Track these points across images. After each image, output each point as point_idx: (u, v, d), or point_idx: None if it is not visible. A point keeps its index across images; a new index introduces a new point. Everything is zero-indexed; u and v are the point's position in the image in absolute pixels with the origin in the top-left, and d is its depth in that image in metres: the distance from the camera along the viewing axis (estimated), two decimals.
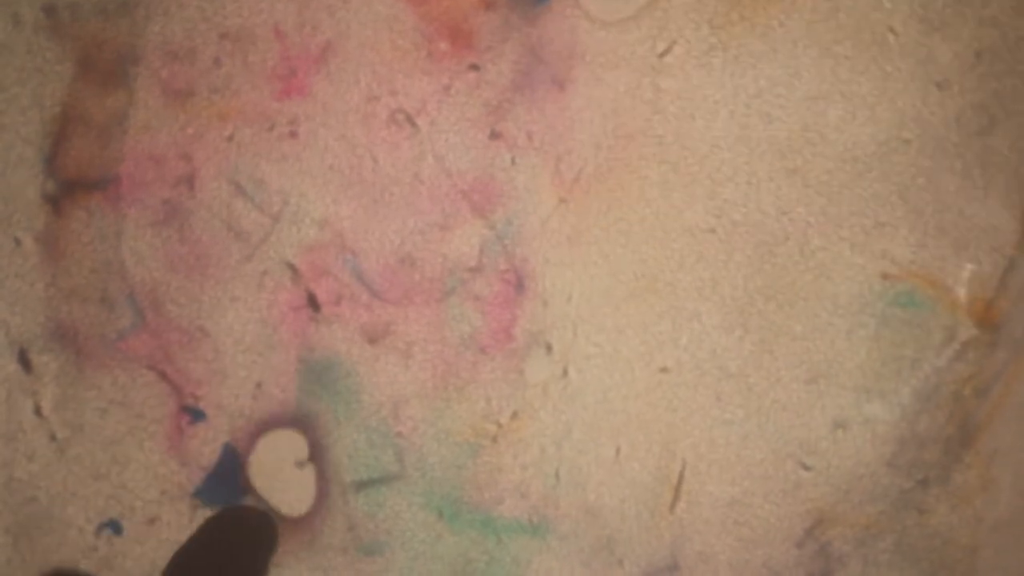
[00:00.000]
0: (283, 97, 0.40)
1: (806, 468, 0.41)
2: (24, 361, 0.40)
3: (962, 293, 0.41)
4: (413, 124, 0.40)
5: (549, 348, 0.41)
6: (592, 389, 0.41)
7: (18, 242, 0.40)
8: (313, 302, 0.40)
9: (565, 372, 0.41)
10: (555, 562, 0.41)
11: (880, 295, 0.41)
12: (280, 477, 0.41)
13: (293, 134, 0.40)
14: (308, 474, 0.41)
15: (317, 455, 0.41)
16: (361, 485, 0.41)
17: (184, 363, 0.40)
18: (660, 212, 0.40)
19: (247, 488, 0.40)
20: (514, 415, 0.41)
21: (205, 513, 0.40)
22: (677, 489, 0.41)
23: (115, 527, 0.40)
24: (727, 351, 0.41)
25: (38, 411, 0.40)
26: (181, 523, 0.40)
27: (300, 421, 0.41)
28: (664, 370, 0.41)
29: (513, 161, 0.40)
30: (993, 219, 0.40)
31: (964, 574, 0.41)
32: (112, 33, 0.39)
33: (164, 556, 0.37)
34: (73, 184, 0.40)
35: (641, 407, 0.41)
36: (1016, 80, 0.40)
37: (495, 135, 0.40)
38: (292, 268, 0.40)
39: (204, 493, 0.40)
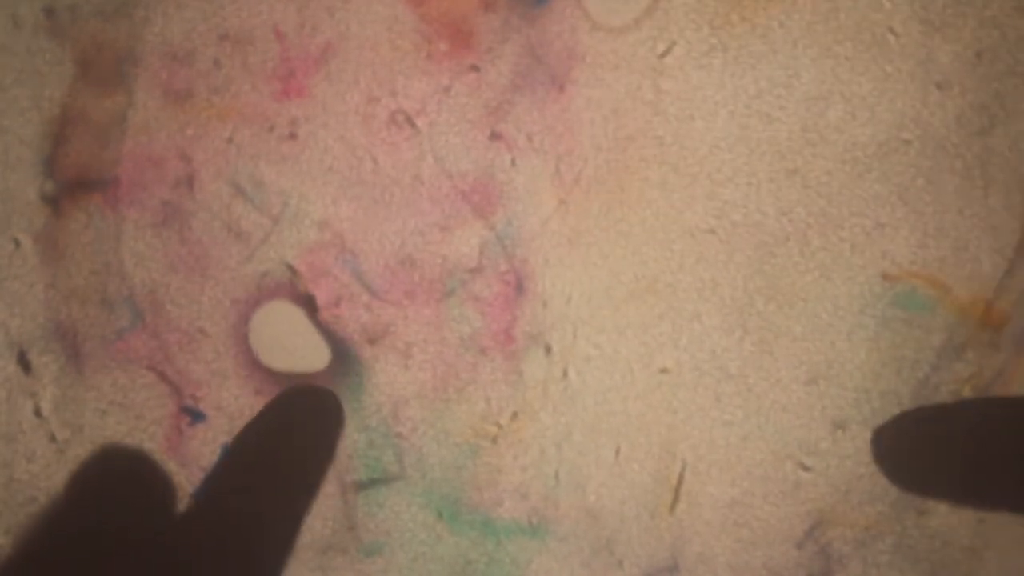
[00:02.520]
0: (283, 98, 0.40)
1: (806, 469, 0.41)
2: (24, 362, 0.40)
3: (962, 293, 0.41)
4: (413, 125, 0.40)
5: (549, 349, 0.41)
6: (592, 390, 0.41)
7: (17, 243, 0.40)
8: (312, 303, 0.40)
9: (565, 373, 0.41)
10: (555, 563, 0.41)
11: (880, 296, 0.41)
12: None
13: (293, 135, 0.40)
14: None
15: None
16: (361, 486, 0.41)
17: (184, 364, 0.40)
18: (660, 213, 0.40)
19: None
20: (514, 416, 0.41)
21: None
22: (677, 490, 0.41)
23: None
24: (727, 352, 0.41)
25: (38, 412, 0.40)
26: None
27: None
28: (664, 371, 0.41)
29: (513, 162, 0.40)
30: (994, 219, 0.40)
31: (965, 575, 0.41)
32: (111, 34, 0.39)
33: None
34: (72, 185, 0.40)
35: (641, 408, 0.41)
36: (1017, 80, 0.40)
37: (495, 136, 0.40)
38: (292, 269, 0.40)
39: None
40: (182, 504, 0.27)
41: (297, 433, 0.29)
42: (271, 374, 0.40)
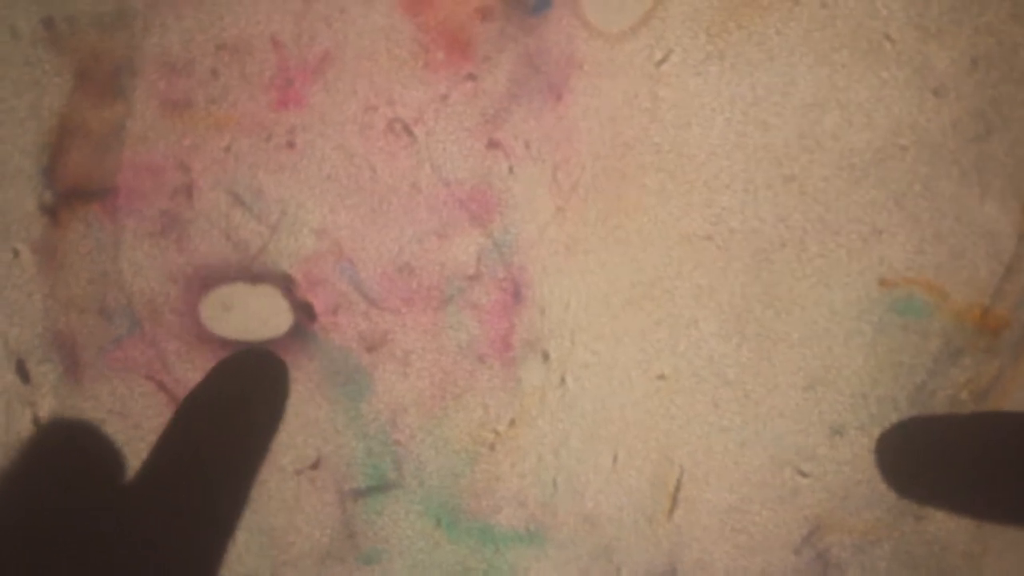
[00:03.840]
0: (280, 107, 0.40)
1: (803, 475, 0.41)
2: (22, 371, 0.40)
3: (959, 299, 0.41)
4: (410, 133, 0.40)
5: (546, 356, 0.41)
6: (590, 397, 0.41)
7: (16, 253, 0.40)
8: (310, 311, 0.40)
9: (563, 380, 0.41)
10: (553, 570, 0.41)
11: (877, 301, 0.41)
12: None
13: (291, 144, 0.40)
14: (309, 482, 0.41)
15: (316, 463, 0.41)
16: (359, 493, 0.41)
17: (182, 373, 0.40)
18: (657, 220, 0.40)
19: None
20: (512, 423, 0.41)
21: None
22: (675, 496, 0.41)
23: None
24: (725, 358, 0.41)
25: (36, 421, 0.40)
26: None
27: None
28: (661, 377, 0.41)
29: (511, 170, 0.40)
30: (990, 225, 0.40)
31: None
32: (110, 45, 0.39)
33: None
34: (71, 195, 0.40)
35: (639, 414, 0.41)
36: (1013, 87, 0.40)
37: (492, 144, 0.40)
38: (289, 278, 0.40)
39: None
40: (130, 474, 0.27)
41: (243, 396, 0.29)
42: None
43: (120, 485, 0.26)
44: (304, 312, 0.40)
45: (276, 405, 0.30)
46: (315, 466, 0.41)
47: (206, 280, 0.40)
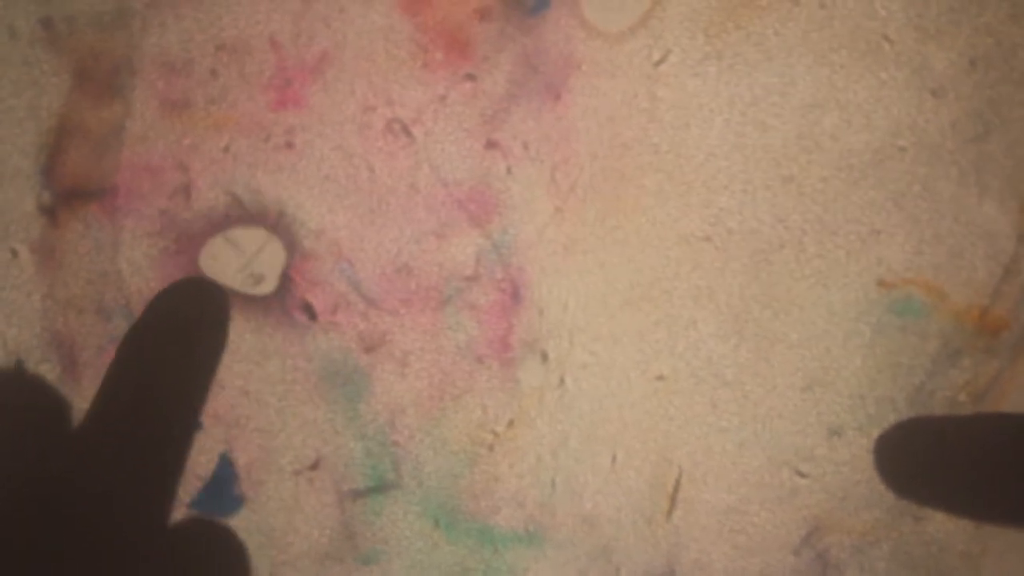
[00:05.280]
0: (279, 108, 0.40)
1: (802, 475, 0.41)
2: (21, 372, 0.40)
3: (958, 300, 0.41)
4: (409, 134, 0.40)
5: (545, 357, 0.41)
6: (588, 397, 0.41)
7: (15, 253, 0.40)
8: (309, 311, 0.40)
9: (561, 380, 0.41)
10: (551, 571, 0.41)
11: (876, 302, 0.41)
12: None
13: (289, 144, 0.40)
14: (307, 483, 0.41)
15: (314, 464, 0.41)
16: (358, 494, 0.41)
17: None
18: (656, 220, 0.40)
19: (242, 498, 0.40)
20: (510, 424, 0.41)
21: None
22: (673, 497, 0.41)
23: None
24: (723, 359, 0.41)
25: None
26: None
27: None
28: (660, 378, 0.41)
29: (509, 170, 0.40)
30: (989, 226, 0.40)
31: None
32: (109, 45, 0.39)
33: None
34: (70, 195, 0.40)
35: (637, 415, 0.41)
36: (1011, 87, 0.40)
37: (491, 145, 0.40)
38: (288, 278, 0.40)
39: (200, 503, 0.40)
40: (74, 422, 0.27)
41: (183, 323, 0.29)
42: None
43: (67, 430, 0.26)
44: (304, 312, 0.40)
45: (217, 331, 0.30)
46: (314, 467, 0.41)
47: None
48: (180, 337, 0.28)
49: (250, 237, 0.40)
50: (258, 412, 0.40)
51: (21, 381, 0.33)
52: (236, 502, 0.40)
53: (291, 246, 0.40)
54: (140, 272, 0.40)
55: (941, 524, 0.41)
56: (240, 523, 0.40)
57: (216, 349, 0.29)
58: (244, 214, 0.40)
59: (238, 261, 0.40)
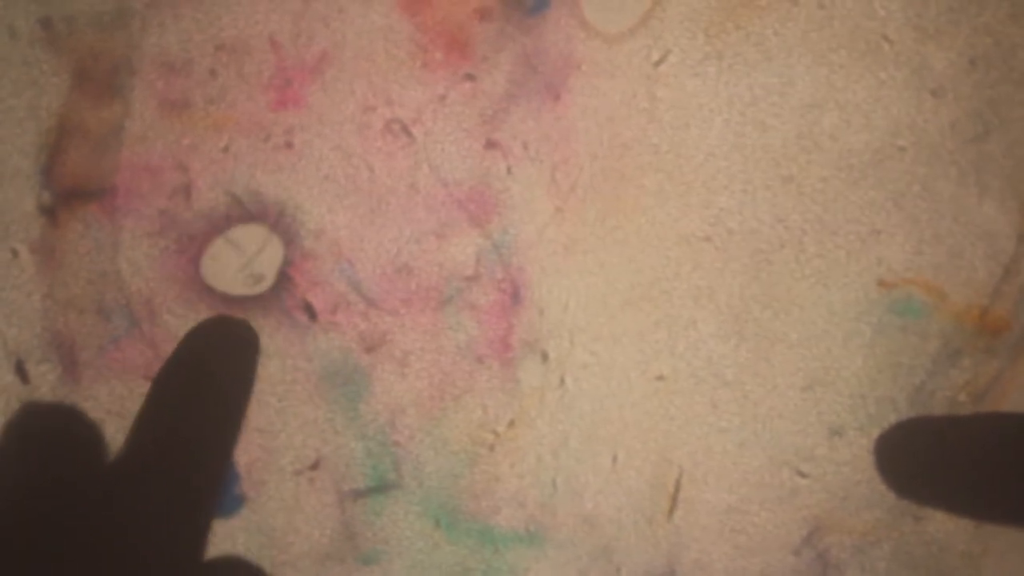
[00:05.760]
0: (279, 108, 0.40)
1: (802, 475, 0.41)
2: (21, 372, 0.40)
3: (958, 300, 0.41)
4: (409, 134, 0.40)
5: (545, 357, 0.41)
6: (588, 397, 0.41)
7: (15, 253, 0.40)
8: (310, 311, 0.40)
9: (562, 381, 0.41)
10: (552, 571, 0.41)
11: (876, 302, 0.41)
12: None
13: (289, 144, 0.40)
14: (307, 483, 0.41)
15: (315, 464, 0.41)
16: (359, 494, 0.41)
17: None
18: (656, 221, 0.40)
19: (243, 498, 0.40)
20: (511, 424, 0.41)
21: None
22: (674, 497, 0.41)
23: None
24: (723, 359, 0.41)
25: None
26: None
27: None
28: (660, 378, 0.41)
29: (509, 171, 0.40)
30: (989, 225, 0.40)
31: None
32: (108, 45, 0.39)
33: None
34: (69, 195, 0.40)
35: (638, 415, 0.41)
36: (1011, 87, 0.40)
37: (491, 145, 0.40)
38: (288, 277, 0.40)
39: None
40: (110, 454, 0.27)
41: (214, 364, 0.29)
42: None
43: (101, 466, 0.26)
44: (304, 312, 0.40)
45: (247, 370, 0.30)
46: (314, 467, 0.41)
47: (205, 279, 0.40)
48: (210, 378, 0.28)
49: (250, 237, 0.40)
50: (258, 412, 0.40)
51: (57, 409, 0.33)
52: (237, 502, 0.40)
53: (291, 246, 0.40)
54: (140, 272, 0.40)
55: (942, 524, 0.41)
56: (241, 523, 0.40)
57: (246, 387, 0.29)
58: (244, 214, 0.40)
59: (238, 261, 0.40)
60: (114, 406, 0.40)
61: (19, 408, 0.29)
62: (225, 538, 0.40)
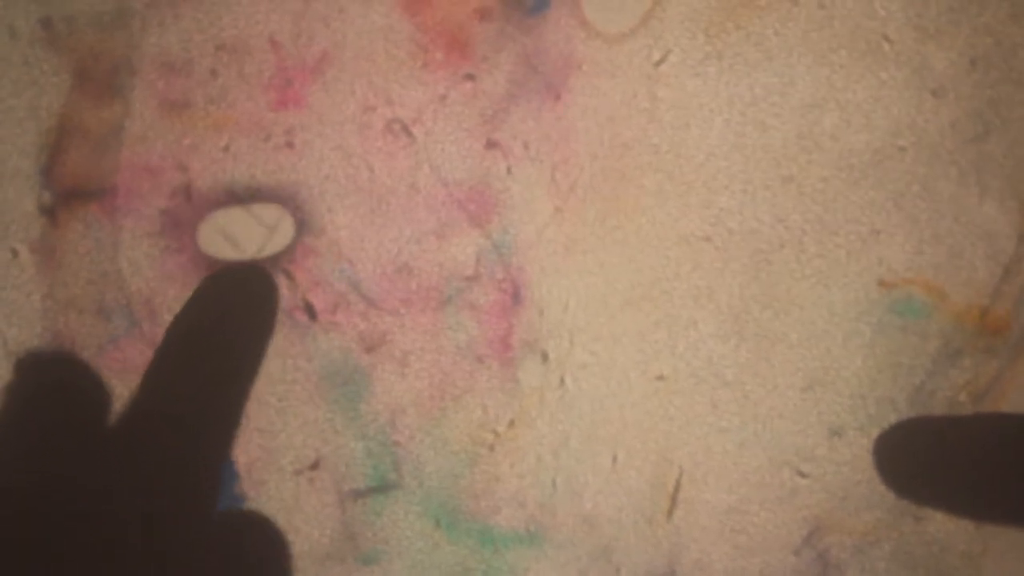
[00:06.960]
0: (279, 108, 0.40)
1: (803, 475, 0.41)
2: None
3: (958, 300, 0.41)
4: (409, 134, 0.40)
5: (545, 357, 0.41)
6: (588, 397, 0.41)
7: (15, 253, 0.40)
8: (310, 311, 0.40)
9: (562, 381, 0.41)
10: (552, 571, 0.41)
11: (876, 302, 0.41)
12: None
13: (289, 144, 0.40)
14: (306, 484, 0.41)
15: (315, 464, 0.41)
16: (358, 494, 0.41)
17: None
18: (656, 221, 0.40)
19: (244, 498, 0.40)
20: (511, 424, 0.41)
21: None
22: (674, 497, 0.41)
23: None
24: (723, 359, 0.41)
25: None
26: None
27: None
28: (660, 378, 0.41)
29: (509, 170, 0.40)
30: (989, 225, 0.40)
31: None
32: (108, 45, 0.39)
33: None
34: (69, 195, 0.40)
35: (638, 415, 0.41)
36: (1011, 87, 0.40)
37: (491, 144, 0.40)
38: (289, 277, 0.40)
39: None
40: (117, 407, 0.27)
41: (229, 312, 0.28)
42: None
43: (105, 428, 0.26)
44: (304, 312, 0.40)
45: (263, 323, 0.29)
46: (314, 467, 0.41)
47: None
48: (219, 331, 0.27)
49: (250, 237, 0.40)
50: (258, 412, 0.40)
51: (65, 363, 0.32)
52: (237, 502, 0.40)
53: (291, 245, 0.40)
54: (140, 272, 0.40)
55: (942, 524, 0.41)
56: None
57: (259, 342, 0.28)
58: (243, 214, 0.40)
59: (238, 260, 0.40)
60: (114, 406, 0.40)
61: (22, 363, 0.29)
62: None
